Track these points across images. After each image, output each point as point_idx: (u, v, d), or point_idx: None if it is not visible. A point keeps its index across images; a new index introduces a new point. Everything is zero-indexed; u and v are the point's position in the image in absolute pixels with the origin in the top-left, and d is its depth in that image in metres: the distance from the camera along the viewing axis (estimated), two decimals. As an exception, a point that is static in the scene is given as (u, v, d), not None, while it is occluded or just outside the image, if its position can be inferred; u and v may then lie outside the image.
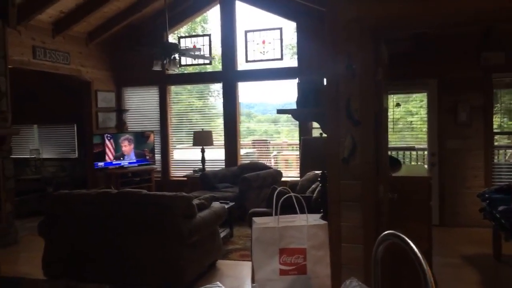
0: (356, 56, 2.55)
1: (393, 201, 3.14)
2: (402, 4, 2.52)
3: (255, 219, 1.48)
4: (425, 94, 6.43)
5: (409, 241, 0.97)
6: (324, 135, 2.90)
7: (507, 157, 6.50)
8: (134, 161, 7.60)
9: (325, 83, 2.77)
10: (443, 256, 4.52)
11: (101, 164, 7.27)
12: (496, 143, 6.11)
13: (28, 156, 8.40)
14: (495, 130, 6.00)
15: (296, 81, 6.86)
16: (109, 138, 7.33)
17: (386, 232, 1.06)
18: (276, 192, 1.51)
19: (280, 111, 3.23)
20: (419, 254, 0.92)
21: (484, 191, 4.68)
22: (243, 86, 7.75)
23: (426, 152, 6.53)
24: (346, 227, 2.59)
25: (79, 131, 8.32)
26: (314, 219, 1.47)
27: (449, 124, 5.96)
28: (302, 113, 3.06)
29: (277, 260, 1.39)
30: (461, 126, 5.90)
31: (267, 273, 1.39)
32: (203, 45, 7.76)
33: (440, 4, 2.45)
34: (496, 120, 6.09)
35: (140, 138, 7.67)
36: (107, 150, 7.29)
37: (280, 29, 7.33)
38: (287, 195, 1.46)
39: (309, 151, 3.59)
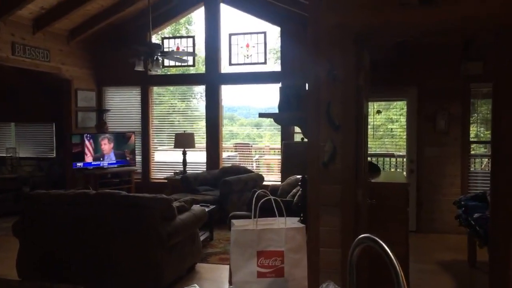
0: (337, 61, 2.58)
1: (371, 206, 3.18)
2: (384, 12, 2.56)
3: (234, 221, 1.47)
4: (405, 101, 6.54)
5: (383, 244, 0.98)
6: (306, 139, 2.92)
7: (483, 166, 6.66)
8: (114, 162, 7.49)
9: (307, 87, 2.80)
10: (419, 262, 4.59)
11: (79, 164, 7.14)
12: (472, 152, 6.26)
13: (4, 155, 8.20)
14: (472, 139, 6.14)
15: (279, 85, 6.89)
16: (88, 138, 7.22)
17: (361, 236, 1.07)
18: (255, 195, 1.51)
19: (262, 115, 3.24)
20: (392, 257, 0.94)
21: (460, 198, 4.78)
22: (226, 89, 7.75)
23: (405, 159, 6.63)
24: (324, 231, 2.61)
25: (57, 130, 8.17)
26: (292, 222, 1.47)
27: (428, 132, 6.06)
28: (284, 117, 3.07)
29: (255, 263, 1.39)
30: (439, 134, 6.02)
31: (244, 275, 1.39)
32: (187, 47, 7.73)
33: (421, 14, 2.50)
34: (473, 130, 6.24)
35: (121, 139, 7.58)
36: (86, 150, 7.17)
37: (264, 33, 7.36)
38: (266, 198, 1.46)
39: (290, 156, 3.60)
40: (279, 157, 7.52)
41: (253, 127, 12.73)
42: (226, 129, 8.52)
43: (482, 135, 6.45)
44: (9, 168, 8.11)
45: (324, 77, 2.60)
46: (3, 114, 7.98)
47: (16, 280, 3.95)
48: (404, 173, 6.31)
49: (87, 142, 7.18)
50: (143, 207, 3.68)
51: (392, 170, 7.33)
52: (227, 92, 7.81)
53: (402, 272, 0.91)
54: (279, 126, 7.29)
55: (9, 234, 4.24)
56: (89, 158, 7.21)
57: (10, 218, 5.82)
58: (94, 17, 7.00)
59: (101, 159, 7.36)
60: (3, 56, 5.99)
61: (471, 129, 6.09)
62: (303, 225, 1.45)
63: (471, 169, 6.15)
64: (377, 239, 0.99)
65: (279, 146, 7.52)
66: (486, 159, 6.59)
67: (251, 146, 9.58)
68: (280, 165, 7.43)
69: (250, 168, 7.67)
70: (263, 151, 9.96)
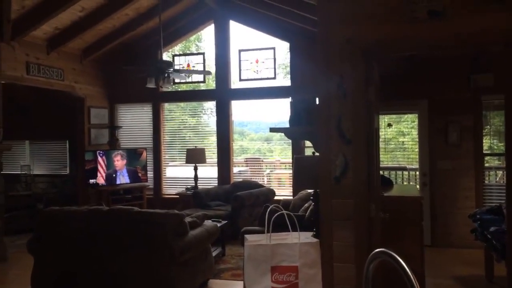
0: (347, 76, 2.59)
1: (385, 220, 3.15)
2: (393, 26, 2.58)
3: (247, 236, 1.48)
4: (416, 114, 6.51)
5: (399, 258, 0.97)
6: (317, 153, 2.92)
7: (497, 179, 6.55)
8: (126, 178, 7.54)
9: (317, 102, 2.81)
10: (435, 277, 4.51)
11: (93, 180, 7.21)
12: (486, 164, 6.17)
13: (19, 172, 8.31)
14: (485, 152, 6.06)
15: (289, 100, 6.93)
16: (101, 154, 7.30)
17: (377, 250, 1.06)
18: (268, 210, 1.51)
19: (273, 129, 3.25)
20: (408, 271, 0.93)
21: (475, 212, 4.71)
22: (236, 105, 7.80)
23: (417, 172, 6.57)
24: (338, 246, 2.58)
25: (71, 148, 8.27)
26: (306, 237, 1.47)
27: (440, 145, 6.01)
28: (294, 132, 3.09)
29: (269, 278, 1.39)
30: (451, 146, 5.96)
31: (258, 291, 1.38)
32: (197, 63, 7.83)
33: (431, 27, 2.52)
34: (487, 142, 6.16)
35: (133, 155, 7.64)
36: (99, 166, 7.24)
37: (274, 48, 7.43)
38: (279, 212, 1.47)
39: (301, 170, 3.60)
40: (290, 171, 7.51)
41: (263, 141, 12.75)
42: (237, 144, 8.54)
43: (495, 147, 6.37)
44: (24, 185, 8.22)
45: (334, 92, 2.61)
46: (18, 132, 8.11)
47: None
48: (417, 186, 6.24)
49: (100, 159, 7.26)
50: (155, 223, 3.69)
51: (405, 183, 7.26)
52: (237, 107, 7.86)
53: (419, 286, 0.90)
54: (290, 141, 7.29)
55: (24, 251, 4.28)
56: (102, 175, 7.27)
57: (25, 235, 5.88)
58: (106, 37, 7.14)
59: (114, 175, 7.42)
60: (18, 76, 6.12)
61: (484, 141, 6.02)
62: (317, 239, 1.45)
63: (486, 181, 6.06)
64: (393, 253, 0.98)
65: (290, 160, 7.51)
66: (501, 172, 6.49)
67: (262, 161, 9.58)
68: (291, 180, 7.41)
69: (261, 182, 7.66)
70: (274, 166, 9.94)
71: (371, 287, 1.13)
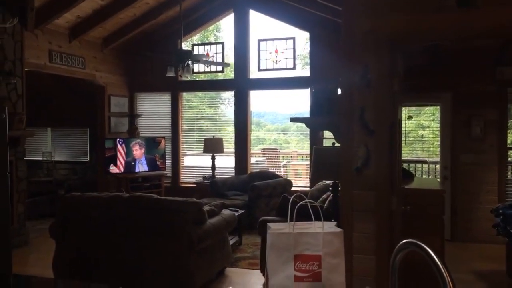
0: (372, 66, 2.55)
1: (405, 213, 3.11)
2: (420, 16, 2.52)
3: (270, 224, 1.47)
4: (437, 107, 6.39)
5: (429, 249, 0.95)
6: (337, 144, 2.89)
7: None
8: (145, 166, 7.63)
9: (339, 92, 2.78)
10: (455, 271, 4.42)
11: (112, 168, 7.32)
12: (510, 159, 6.03)
13: (41, 159, 8.49)
14: (509, 146, 5.92)
15: (307, 90, 6.88)
16: (120, 142, 7.39)
17: (405, 240, 1.05)
18: (291, 199, 1.50)
19: (293, 119, 3.24)
20: (439, 263, 0.91)
21: (498, 207, 4.61)
22: (254, 95, 7.78)
23: (438, 166, 6.46)
24: (358, 237, 2.57)
25: (91, 135, 8.40)
26: (330, 226, 1.46)
27: (463, 138, 5.89)
28: (315, 122, 3.06)
29: (291, 266, 1.38)
30: (474, 140, 5.84)
31: (281, 279, 1.38)
32: (216, 53, 7.82)
33: (459, 17, 2.45)
34: (511, 136, 6.02)
35: (152, 144, 7.71)
36: (118, 154, 7.33)
37: (293, 38, 7.36)
38: (302, 201, 1.46)
39: (320, 160, 3.57)
40: (307, 162, 7.49)
41: (280, 132, 12.73)
42: (253, 134, 8.54)
43: (520, 141, 6.21)
44: (45, 171, 8.40)
45: (358, 82, 2.57)
46: (41, 119, 8.27)
47: (55, 279, 4.06)
48: (438, 179, 6.15)
49: (119, 147, 7.35)
50: (174, 210, 3.73)
51: (425, 176, 7.17)
52: (253, 98, 7.83)
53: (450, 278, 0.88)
54: (307, 132, 7.26)
55: (45, 236, 4.38)
56: (121, 162, 7.37)
57: (45, 220, 6.02)
58: (126, 25, 7.18)
59: (133, 163, 7.51)
60: (41, 64, 6.22)
61: (508, 135, 5.87)
62: (341, 229, 1.43)
63: (509, 176, 5.93)
64: (422, 244, 0.96)
65: (306, 151, 7.49)
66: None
67: (279, 152, 9.58)
68: (308, 171, 7.39)
69: (278, 173, 7.66)
70: (291, 157, 9.93)
71: (397, 278, 1.12)
